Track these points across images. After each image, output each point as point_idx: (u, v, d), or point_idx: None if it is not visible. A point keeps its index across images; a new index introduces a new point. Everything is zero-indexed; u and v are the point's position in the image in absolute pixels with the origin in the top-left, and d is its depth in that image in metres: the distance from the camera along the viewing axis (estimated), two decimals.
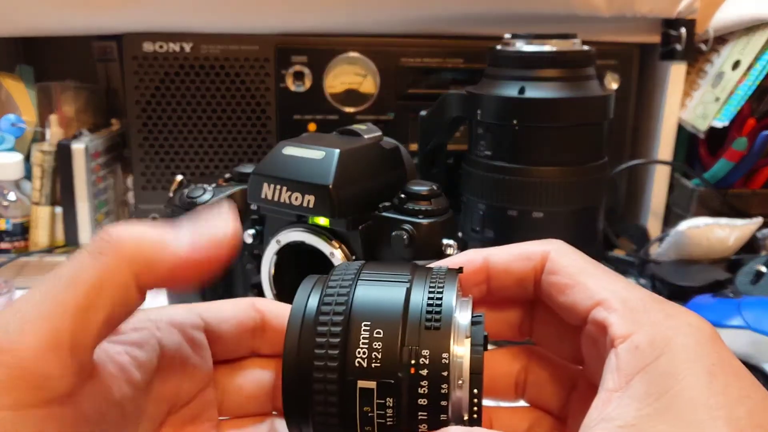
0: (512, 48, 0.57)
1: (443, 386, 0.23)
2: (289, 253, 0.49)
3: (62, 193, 0.68)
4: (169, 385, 0.26)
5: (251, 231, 0.52)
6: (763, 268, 0.63)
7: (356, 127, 0.51)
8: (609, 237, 0.72)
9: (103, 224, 0.72)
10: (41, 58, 0.83)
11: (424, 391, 0.23)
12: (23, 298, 0.21)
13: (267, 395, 0.29)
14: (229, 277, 0.55)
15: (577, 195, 0.56)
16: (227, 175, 0.57)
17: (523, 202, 0.55)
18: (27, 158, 0.70)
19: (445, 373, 0.23)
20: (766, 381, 0.52)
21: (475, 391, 0.23)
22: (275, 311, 0.29)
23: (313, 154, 0.47)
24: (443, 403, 0.23)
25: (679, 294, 0.63)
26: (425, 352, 0.23)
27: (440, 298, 0.24)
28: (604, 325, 0.24)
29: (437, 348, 0.23)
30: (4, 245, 0.67)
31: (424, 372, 0.23)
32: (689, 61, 0.76)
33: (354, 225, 0.47)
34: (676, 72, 0.76)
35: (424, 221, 0.46)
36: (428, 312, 0.24)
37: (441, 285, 0.25)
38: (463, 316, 0.24)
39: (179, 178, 0.59)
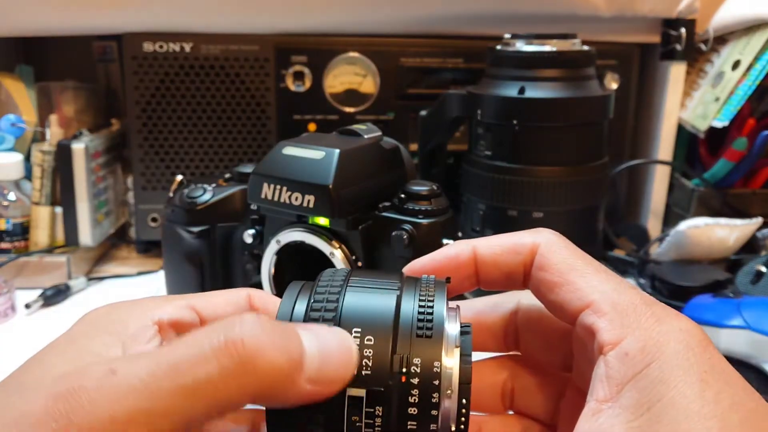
0: (512, 48, 0.57)
1: (434, 395, 0.22)
2: (289, 253, 0.49)
3: (62, 193, 0.67)
4: None
5: (251, 231, 0.52)
6: (763, 268, 0.63)
7: (356, 127, 0.51)
8: (609, 237, 0.72)
9: (104, 224, 0.72)
10: (41, 58, 0.83)
11: (415, 400, 0.22)
12: (128, 364, 0.20)
13: None
14: (229, 276, 0.55)
15: (577, 195, 0.56)
16: (227, 175, 0.57)
17: (523, 202, 0.55)
18: (27, 158, 0.70)
19: (436, 382, 0.22)
20: (766, 381, 0.52)
21: (464, 401, 0.23)
22: (273, 310, 0.29)
23: (313, 154, 0.47)
24: (434, 412, 0.22)
25: (679, 294, 0.63)
26: (416, 361, 0.22)
27: (431, 307, 0.24)
28: (592, 329, 0.23)
29: (429, 357, 0.23)
30: (4, 245, 0.67)
31: (415, 381, 0.22)
32: (689, 61, 0.76)
33: (354, 225, 0.47)
34: (676, 72, 0.76)
35: (424, 221, 0.46)
36: (419, 320, 0.23)
37: (431, 294, 0.24)
38: (452, 327, 0.24)
39: (179, 178, 0.59)
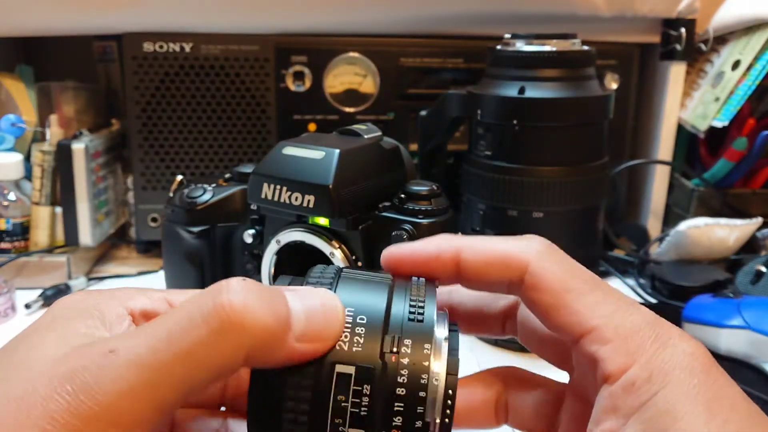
0: (512, 48, 0.57)
1: (423, 377, 0.22)
2: (289, 253, 0.49)
3: (62, 193, 0.67)
4: None
5: (251, 231, 0.52)
6: (763, 268, 0.63)
7: (356, 127, 0.51)
8: (609, 237, 0.72)
9: (104, 224, 0.72)
10: (41, 58, 0.83)
11: (404, 380, 0.22)
12: (124, 342, 0.20)
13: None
14: (229, 276, 0.55)
15: (577, 195, 0.56)
16: (227, 175, 0.57)
17: (523, 202, 0.55)
18: (27, 158, 0.70)
19: (426, 363, 0.22)
20: (766, 381, 0.52)
21: (450, 392, 0.22)
22: None
23: (313, 154, 0.47)
24: (422, 394, 0.22)
25: (679, 294, 0.63)
26: (408, 342, 0.23)
27: (423, 302, 0.24)
28: (595, 358, 0.23)
29: (420, 338, 0.23)
30: (4, 245, 0.67)
31: (406, 361, 0.22)
32: (689, 61, 0.76)
33: (354, 225, 0.47)
34: (676, 72, 0.76)
35: (424, 221, 0.46)
36: (412, 306, 0.24)
37: (422, 294, 0.25)
38: (440, 330, 0.23)
39: (179, 178, 0.59)
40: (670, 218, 0.78)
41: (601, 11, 0.72)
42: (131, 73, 0.70)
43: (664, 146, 0.77)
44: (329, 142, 0.48)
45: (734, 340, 0.54)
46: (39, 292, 0.64)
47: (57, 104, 0.73)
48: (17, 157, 0.68)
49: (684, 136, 0.78)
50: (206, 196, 0.54)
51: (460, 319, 0.29)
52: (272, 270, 0.50)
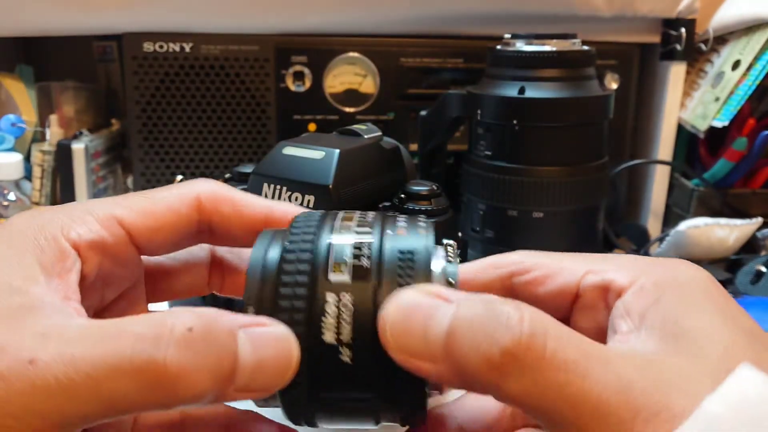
0: (512, 48, 0.57)
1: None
2: None
3: (62, 193, 0.67)
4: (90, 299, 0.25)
5: None
6: (763, 268, 0.63)
7: (356, 127, 0.51)
8: (609, 237, 0.72)
9: None
10: (41, 58, 0.83)
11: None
12: (46, 352, 0.20)
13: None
14: None
15: (577, 195, 0.56)
16: (227, 175, 0.57)
17: (523, 202, 0.55)
18: (27, 158, 0.70)
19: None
20: None
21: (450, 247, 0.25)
22: (228, 212, 0.28)
23: (313, 154, 0.47)
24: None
25: None
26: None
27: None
28: (602, 284, 0.24)
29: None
30: None
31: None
32: (689, 61, 0.76)
33: None
34: (676, 72, 0.76)
35: None
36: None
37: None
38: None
39: (179, 178, 0.59)
40: (670, 218, 0.78)
41: (601, 11, 0.72)
42: (131, 73, 0.70)
43: (664, 146, 0.77)
44: (329, 142, 0.48)
45: None
46: None
47: (57, 104, 0.73)
48: (17, 157, 0.68)
49: (684, 136, 0.78)
50: None
51: None
52: None
